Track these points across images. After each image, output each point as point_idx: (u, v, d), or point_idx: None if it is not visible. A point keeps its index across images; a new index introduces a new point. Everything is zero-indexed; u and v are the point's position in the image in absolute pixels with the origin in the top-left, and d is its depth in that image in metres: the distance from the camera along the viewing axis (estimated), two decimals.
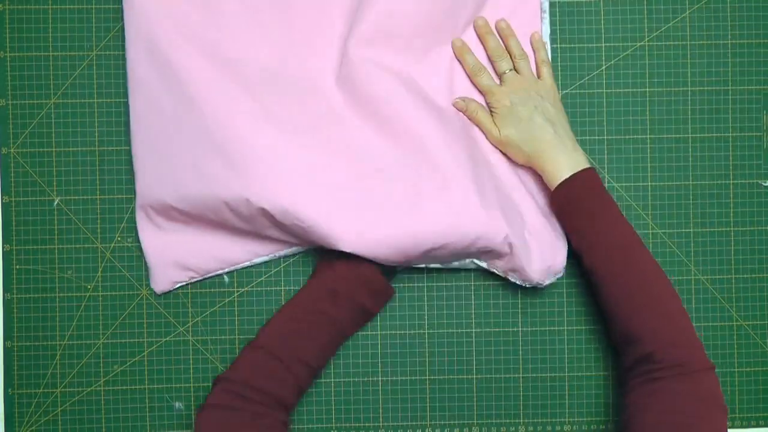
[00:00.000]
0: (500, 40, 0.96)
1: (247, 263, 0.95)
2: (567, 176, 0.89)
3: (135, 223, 0.95)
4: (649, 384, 0.83)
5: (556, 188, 0.89)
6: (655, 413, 0.81)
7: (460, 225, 0.88)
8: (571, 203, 0.89)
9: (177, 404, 0.95)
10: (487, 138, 0.94)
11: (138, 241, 0.95)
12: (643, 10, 0.98)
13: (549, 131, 0.90)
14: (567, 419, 0.97)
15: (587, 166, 0.90)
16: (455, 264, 0.94)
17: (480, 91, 0.96)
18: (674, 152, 0.98)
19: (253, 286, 0.96)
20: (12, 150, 0.95)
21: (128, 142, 0.95)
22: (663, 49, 0.98)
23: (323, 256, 0.93)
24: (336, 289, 0.89)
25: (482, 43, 0.96)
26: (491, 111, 0.94)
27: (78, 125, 0.96)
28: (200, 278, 0.95)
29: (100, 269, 0.96)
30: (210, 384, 0.95)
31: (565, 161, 0.89)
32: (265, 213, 0.88)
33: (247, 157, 0.88)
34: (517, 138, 0.91)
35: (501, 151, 0.94)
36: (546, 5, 0.97)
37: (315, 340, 0.88)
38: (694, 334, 0.85)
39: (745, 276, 0.98)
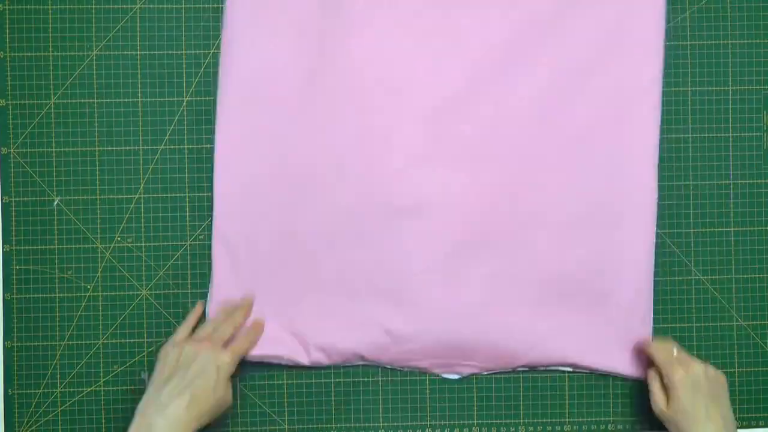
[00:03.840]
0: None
1: None
2: None
3: (135, 223, 0.95)
4: None
5: None
6: None
7: None
8: None
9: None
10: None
11: (138, 241, 0.95)
12: None
13: None
14: (567, 419, 0.97)
15: None
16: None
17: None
18: (674, 152, 0.97)
19: None
20: (12, 150, 0.95)
21: (128, 143, 0.95)
22: (662, 49, 0.98)
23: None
24: None
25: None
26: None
27: (78, 125, 0.96)
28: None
29: (100, 269, 0.96)
30: None
31: None
32: None
33: None
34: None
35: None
36: None
37: None
38: None
39: (745, 276, 0.98)
